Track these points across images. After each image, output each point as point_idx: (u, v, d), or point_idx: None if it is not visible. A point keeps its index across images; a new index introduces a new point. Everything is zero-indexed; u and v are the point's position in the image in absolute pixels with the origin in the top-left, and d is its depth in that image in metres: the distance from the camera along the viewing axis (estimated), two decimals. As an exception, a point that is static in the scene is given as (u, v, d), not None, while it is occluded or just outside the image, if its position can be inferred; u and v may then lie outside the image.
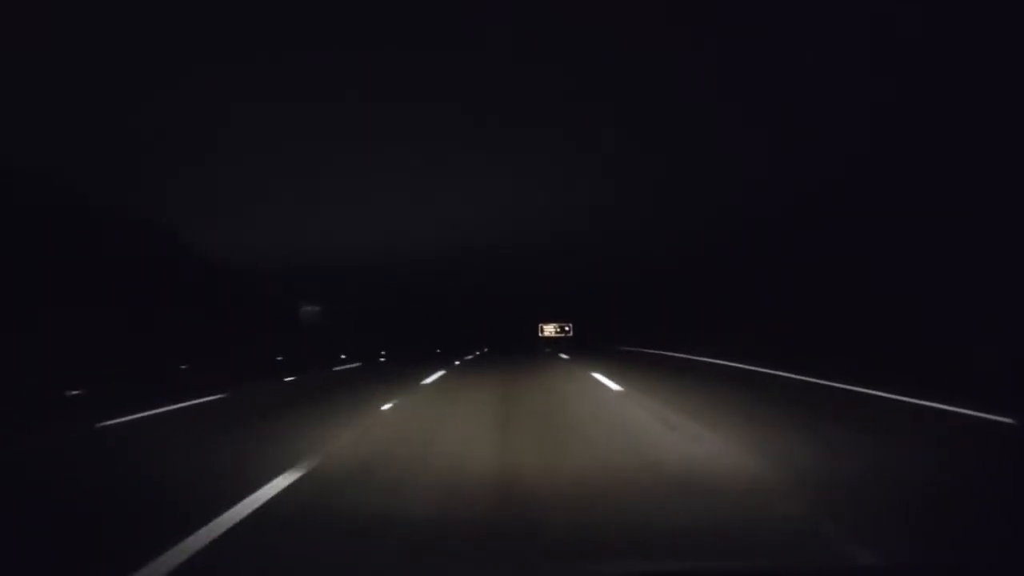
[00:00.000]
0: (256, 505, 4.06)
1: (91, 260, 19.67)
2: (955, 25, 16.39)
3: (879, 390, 9.50)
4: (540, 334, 66.83)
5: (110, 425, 8.52)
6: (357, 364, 23.66)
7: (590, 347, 39.17)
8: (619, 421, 7.52)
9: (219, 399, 11.66)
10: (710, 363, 18.27)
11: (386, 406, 9.52)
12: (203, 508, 3.95)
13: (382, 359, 28.64)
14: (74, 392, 12.25)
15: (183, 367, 18.13)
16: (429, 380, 14.75)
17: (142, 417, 9.26)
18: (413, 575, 3.16)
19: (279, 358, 23.96)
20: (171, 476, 5.26)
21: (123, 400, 10.74)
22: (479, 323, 70.59)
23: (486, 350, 40.07)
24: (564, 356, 25.69)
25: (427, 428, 7.66)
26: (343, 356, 28.54)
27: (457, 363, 22.29)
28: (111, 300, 19.26)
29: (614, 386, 11.56)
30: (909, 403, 8.51)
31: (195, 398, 11.43)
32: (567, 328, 67.51)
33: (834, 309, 21.33)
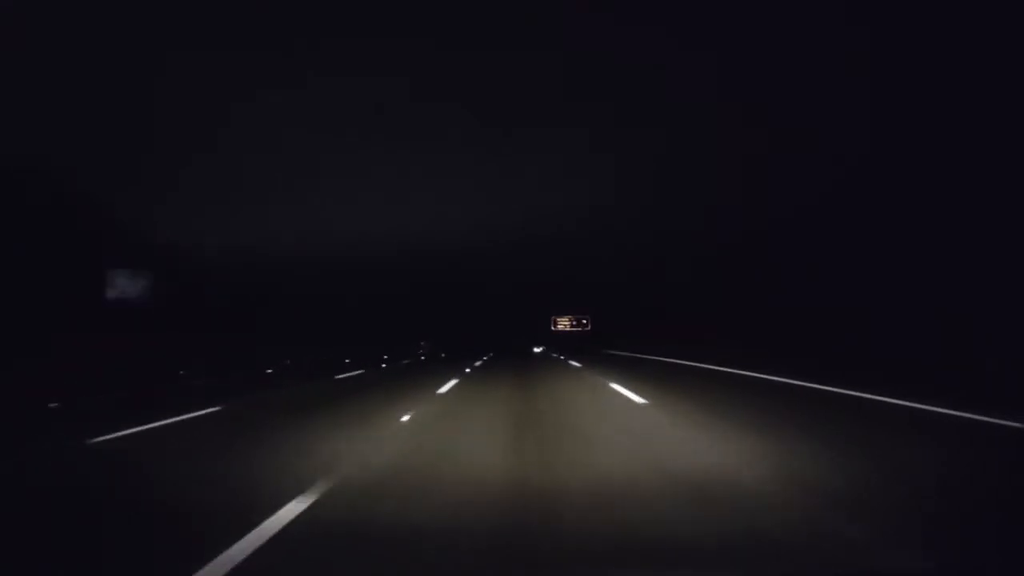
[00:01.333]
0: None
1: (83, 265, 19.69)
2: (956, 31, 16.42)
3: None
4: (553, 327, 62.57)
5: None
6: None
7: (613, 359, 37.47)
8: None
9: None
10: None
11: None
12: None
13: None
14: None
15: None
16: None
17: None
18: None
19: None
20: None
21: None
22: (482, 322, 65.95)
23: (491, 355, 36.84)
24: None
25: None
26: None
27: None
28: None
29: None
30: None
31: None
32: (584, 320, 62.58)
33: (842, 313, 21.40)
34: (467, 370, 21.73)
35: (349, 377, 19.78)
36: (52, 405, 11.60)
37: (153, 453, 7.39)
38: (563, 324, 62.86)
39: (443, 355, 39.83)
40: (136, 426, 8.93)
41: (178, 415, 10.03)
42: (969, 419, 7.71)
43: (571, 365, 24.98)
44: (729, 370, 17.95)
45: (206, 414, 10.54)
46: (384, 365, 28.00)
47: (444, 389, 14.19)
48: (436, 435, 8.05)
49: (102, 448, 7.54)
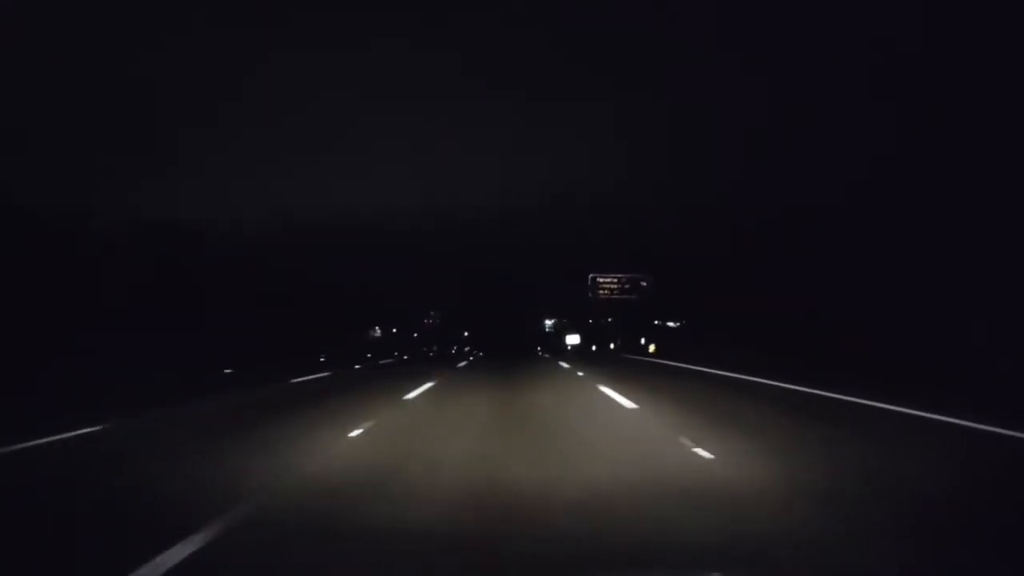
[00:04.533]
0: None
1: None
2: (956, 40, 17.18)
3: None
4: (590, 294, 46.25)
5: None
6: None
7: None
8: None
9: None
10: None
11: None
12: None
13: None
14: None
15: None
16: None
17: None
18: None
19: None
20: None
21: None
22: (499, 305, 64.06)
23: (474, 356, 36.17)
24: None
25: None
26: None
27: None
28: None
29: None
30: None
31: None
32: (643, 283, 44.37)
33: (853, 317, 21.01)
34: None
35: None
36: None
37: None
38: (606, 288, 45.29)
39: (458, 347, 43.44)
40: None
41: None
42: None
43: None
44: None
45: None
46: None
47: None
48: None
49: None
